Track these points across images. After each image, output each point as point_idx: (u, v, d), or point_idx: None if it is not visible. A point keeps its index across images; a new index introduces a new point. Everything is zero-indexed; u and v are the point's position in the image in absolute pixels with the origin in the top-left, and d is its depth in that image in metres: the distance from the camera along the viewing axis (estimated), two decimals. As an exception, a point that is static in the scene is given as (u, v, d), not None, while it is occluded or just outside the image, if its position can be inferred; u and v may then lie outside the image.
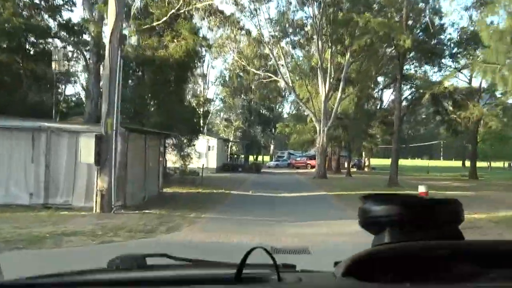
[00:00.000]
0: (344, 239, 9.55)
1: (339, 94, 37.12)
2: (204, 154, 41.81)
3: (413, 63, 40.17)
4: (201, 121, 50.82)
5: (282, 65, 42.50)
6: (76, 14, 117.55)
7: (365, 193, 1.44)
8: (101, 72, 21.49)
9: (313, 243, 9.57)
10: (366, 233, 1.40)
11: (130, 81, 27.04)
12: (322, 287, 1.26)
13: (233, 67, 53.30)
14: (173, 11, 24.29)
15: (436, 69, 41.58)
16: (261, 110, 61.31)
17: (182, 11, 24.93)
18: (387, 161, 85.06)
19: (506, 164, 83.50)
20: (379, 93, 51.77)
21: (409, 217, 1.31)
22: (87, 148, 12.77)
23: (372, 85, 45.48)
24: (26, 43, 27.58)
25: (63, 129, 14.66)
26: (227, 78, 58.53)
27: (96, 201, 13.12)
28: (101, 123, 13.33)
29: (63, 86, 42.88)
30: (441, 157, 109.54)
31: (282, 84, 55.04)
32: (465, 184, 34.18)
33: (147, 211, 14.10)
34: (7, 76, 26.69)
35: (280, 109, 70.44)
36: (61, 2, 28.76)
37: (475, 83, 42.56)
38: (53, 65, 21.62)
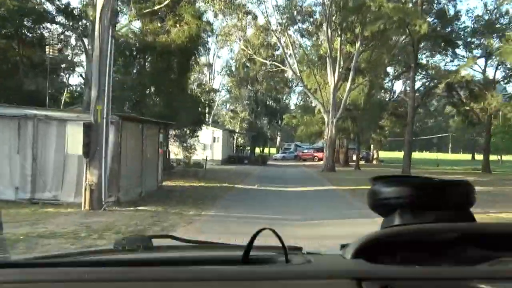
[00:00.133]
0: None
1: (348, 84, 35.85)
2: (209, 145, 41.09)
3: (424, 53, 38.83)
4: (207, 111, 49.93)
5: (290, 55, 41.14)
6: None
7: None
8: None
9: (327, 248, 8.26)
10: None
11: (130, 69, 25.90)
12: (332, 268, 1.21)
13: (239, 56, 52.04)
14: (175, -7, 23.01)
15: (448, 59, 40.43)
16: (267, 101, 60.39)
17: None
18: (395, 154, 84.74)
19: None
20: (389, 84, 50.56)
21: (420, 199, 1.30)
22: (74, 138, 11.54)
23: (383, 76, 44.19)
24: (23, 29, 26.39)
25: (51, 117, 13.40)
26: (233, 68, 57.49)
27: (85, 197, 11.85)
28: (90, 110, 12.04)
29: (67, 76, 41.94)
30: (449, 150, 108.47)
31: (289, 74, 53.97)
32: (480, 178, 32.73)
33: (142, 207, 12.87)
34: (3, 63, 25.58)
35: (287, 101, 69.67)
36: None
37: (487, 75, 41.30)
38: (47, 49, 20.26)
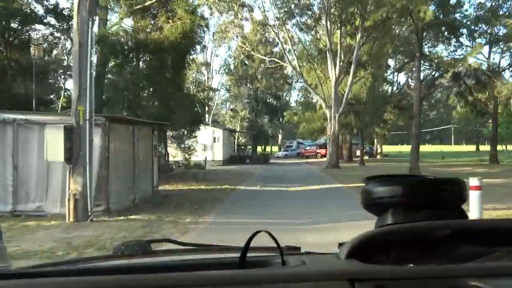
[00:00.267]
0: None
1: (350, 78, 34.78)
2: (210, 146, 40.18)
3: (427, 43, 37.78)
4: (206, 109, 48.94)
5: (289, 51, 40.02)
6: None
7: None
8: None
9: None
10: None
11: (123, 69, 24.88)
12: (326, 269, 1.23)
13: (237, 53, 51.03)
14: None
15: (451, 49, 39.41)
16: (268, 99, 59.50)
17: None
18: (398, 148, 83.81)
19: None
20: (391, 76, 49.54)
21: (412, 198, 1.32)
22: (55, 143, 10.39)
23: (384, 68, 43.18)
24: (10, 31, 25.30)
25: (31, 121, 12.29)
26: (231, 67, 56.59)
27: (68, 208, 10.72)
28: (71, 111, 10.92)
29: (64, 80, 40.92)
30: (452, 142, 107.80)
31: (289, 71, 52.94)
32: (489, 170, 31.68)
33: (134, 216, 11.74)
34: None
35: (287, 98, 68.92)
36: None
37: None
38: (32, 50, 19.16)
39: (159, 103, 23.42)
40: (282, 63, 43.86)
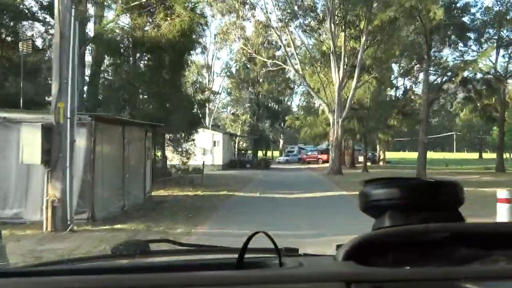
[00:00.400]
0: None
1: (354, 82, 33.84)
2: (209, 150, 39.27)
3: (433, 47, 36.89)
4: (207, 112, 48.01)
5: (292, 54, 39.09)
6: None
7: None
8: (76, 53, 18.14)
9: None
10: None
11: (119, 68, 23.94)
12: (323, 271, 1.22)
13: (239, 55, 50.16)
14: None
15: (457, 54, 38.59)
16: (269, 103, 58.67)
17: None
18: (400, 154, 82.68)
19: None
20: (396, 81, 48.59)
21: (409, 200, 1.30)
22: (31, 144, 9.33)
23: (388, 73, 42.27)
24: (1, 28, 24.33)
25: (11, 119, 11.23)
26: (233, 70, 55.88)
27: (46, 216, 9.64)
28: (50, 109, 9.87)
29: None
30: (454, 149, 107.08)
31: (291, 75, 52.09)
32: (497, 178, 30.65)
33: (120, 225, 10.66)
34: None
35: (289, 102, 68.14)
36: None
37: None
38: (19, 45, 18.14)
39: (156, 103, 22.42)
40: (284, 66, 42.99)
